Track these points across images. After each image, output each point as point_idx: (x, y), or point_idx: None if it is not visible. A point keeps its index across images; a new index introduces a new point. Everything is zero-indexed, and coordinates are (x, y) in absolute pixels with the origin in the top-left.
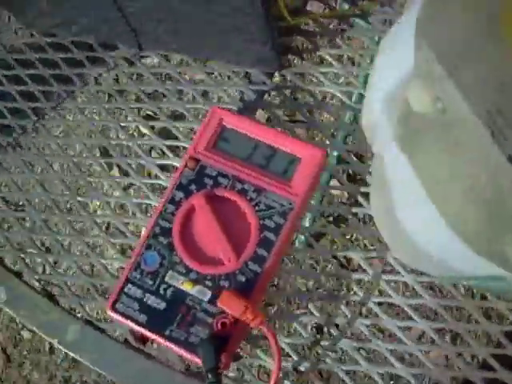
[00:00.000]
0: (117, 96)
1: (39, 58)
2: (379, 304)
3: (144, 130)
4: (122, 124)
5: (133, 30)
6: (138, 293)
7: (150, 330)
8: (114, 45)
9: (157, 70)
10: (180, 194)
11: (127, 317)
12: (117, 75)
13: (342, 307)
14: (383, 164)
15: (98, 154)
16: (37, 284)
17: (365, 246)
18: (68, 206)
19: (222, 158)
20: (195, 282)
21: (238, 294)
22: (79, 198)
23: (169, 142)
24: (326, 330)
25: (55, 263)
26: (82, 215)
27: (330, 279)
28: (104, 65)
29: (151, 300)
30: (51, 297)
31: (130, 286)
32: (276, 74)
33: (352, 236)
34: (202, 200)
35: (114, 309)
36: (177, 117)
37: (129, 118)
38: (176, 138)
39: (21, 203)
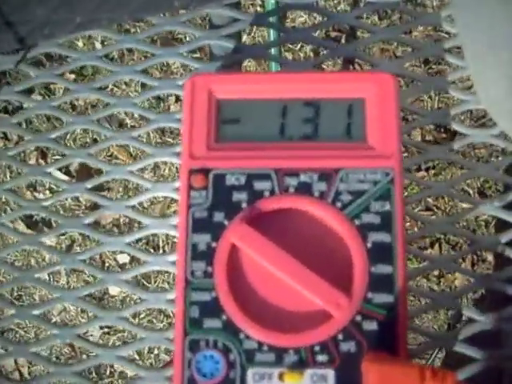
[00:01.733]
0: None
1: None
2: None
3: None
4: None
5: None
6: None
7: None
8: None
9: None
10: (204, 238)
11: None
12: None
13: None
14: None
15: None
16: None
17: None
18: None
19: (241, 150)
20: (300, 366)
21: (383, 356)
22: None
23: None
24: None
25: None
26: None
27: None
28: None
29: None
30: None
31: None
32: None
33: None
34: (245, 229)
35: None
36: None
37: None
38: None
39: None
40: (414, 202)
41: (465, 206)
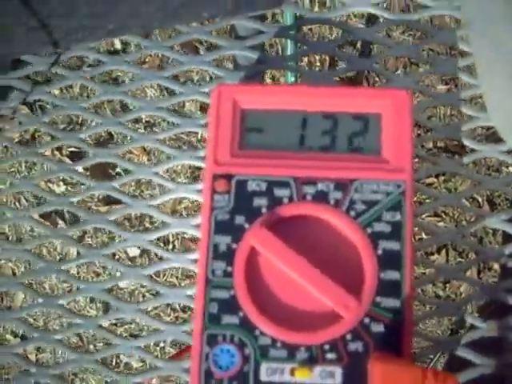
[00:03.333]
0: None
1: None
2: None
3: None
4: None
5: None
6: None
7: None
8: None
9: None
10: (225, 239)
11: None
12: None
13: None
14: None
15: None
16: None
17: None
18: None
19: (262, 158)
20: (310, 362)
21: (389, 356)
22: None
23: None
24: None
25: None
26: None
27: None
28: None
29: None
30: None
31: None
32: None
33: None
34: (264, 233)
35: None
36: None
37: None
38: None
39: None
40: (424, 212)
41: (472, 213)
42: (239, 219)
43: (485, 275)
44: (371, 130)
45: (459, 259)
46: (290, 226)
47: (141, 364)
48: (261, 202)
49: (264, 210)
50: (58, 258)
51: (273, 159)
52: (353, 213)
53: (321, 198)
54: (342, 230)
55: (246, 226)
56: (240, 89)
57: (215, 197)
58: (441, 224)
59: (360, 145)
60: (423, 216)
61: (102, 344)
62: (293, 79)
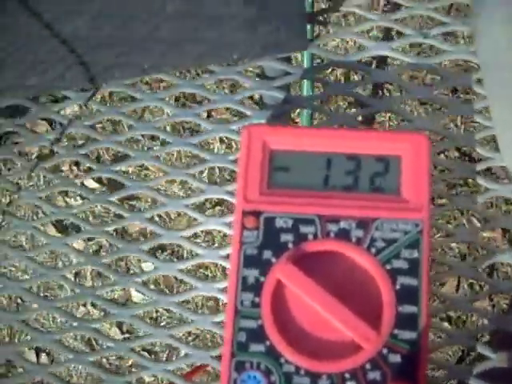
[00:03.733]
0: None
1: None
2: None
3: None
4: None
5: (82, 63)
6: None
7: None
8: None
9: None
10: (253, 272)
11: None
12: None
13: None
14: None
15: None
16: None
17: None
18: None
19: (289, 196)
20: None
21: None
22: None
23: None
24: None
25: None
26: None
27: None
28: None
29: None
30: None
31: None
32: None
33: None
34: (290, 268)
35: None
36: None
37: None
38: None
39: None
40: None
41: (485, 235)
42: (267, 254)
43: (496, 297)
44: (391, 172)
45: (470, 280)
46: (314, 261)
47: (153, 378)
48: (287, 238)
49: (290, 246)
50: (73, 271)
51: (299, 198)
52: (373, 250)
53: (343, 235)
54: (362, 265)
55: (273, 260)
56: (269, 130)
57: (245, 232)
58: (454, 245)
59: (381, 185)
60: (436, 236)
61: (114, 358)
62: (309, 118)
